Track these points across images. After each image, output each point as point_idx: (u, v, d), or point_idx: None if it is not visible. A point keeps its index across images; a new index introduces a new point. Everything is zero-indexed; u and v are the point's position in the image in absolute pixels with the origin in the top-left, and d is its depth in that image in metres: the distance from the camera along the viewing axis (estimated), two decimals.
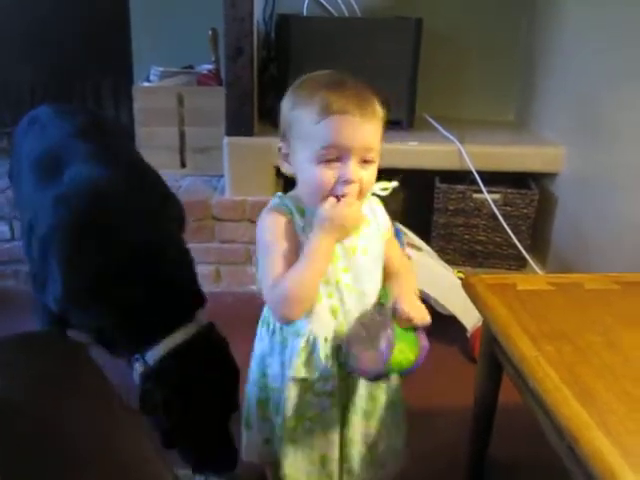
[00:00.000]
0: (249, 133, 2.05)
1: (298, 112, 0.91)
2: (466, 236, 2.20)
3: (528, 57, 2.45)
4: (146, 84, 2.34)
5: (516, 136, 2.34)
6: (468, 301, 1.11)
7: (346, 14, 2.40)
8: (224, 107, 2.03)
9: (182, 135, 2.31)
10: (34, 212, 1.33)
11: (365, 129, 0.88)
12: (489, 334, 1.06)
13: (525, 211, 2.14)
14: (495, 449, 1.23)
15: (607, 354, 0.92)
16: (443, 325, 1.63)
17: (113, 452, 0.80)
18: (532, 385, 0.86)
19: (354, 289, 0.96)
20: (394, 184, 1.01)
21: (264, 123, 2.18)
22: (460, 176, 2.15)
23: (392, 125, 2.21)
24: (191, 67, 2.42)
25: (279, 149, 0.97)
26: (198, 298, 1.26)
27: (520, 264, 2.17)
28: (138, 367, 1.18)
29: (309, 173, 0.90)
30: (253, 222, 2.02)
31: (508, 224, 2.11)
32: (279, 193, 0.99)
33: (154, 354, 1.16)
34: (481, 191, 2.11)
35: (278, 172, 2.00)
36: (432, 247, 2.11)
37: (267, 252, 0.93)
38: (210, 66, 2.36)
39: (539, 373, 0.86)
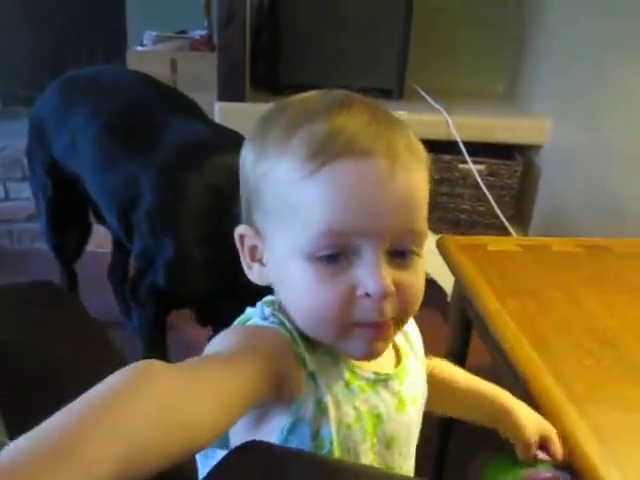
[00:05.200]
0: (240, 99, 2.09)
1: (269, 164, 0.52)
2: (451, 205, 2.25)
3: (518, 30, 2.48)
4: (139, 48, 2.37)
5: (503, 108, 2.38)
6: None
7: None
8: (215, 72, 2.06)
9: None
10: (124, 184, 1.27)
11: (405, 185, 0.50)
12: (459, 291, 1.12)
13: (509, 182, 2.19)
14: None
15: (567, 309, 0.98)
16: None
17: None
18: (493, 335, 0.93)
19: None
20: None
21: (256, 91, 2.21)
22: (446, 146, 2.20)
23: (381, 94, 2.25)
24: (184, 32, 2.45)
25: (239, 238, 0.57)
26: None
27: (502, 234, 2.23)
28: None
29: (298, 283, 0.52)
30: None
31: (492, 194, 2.17)
32: (269, 298, 0.58)
33: None
34: (466, 161, 2.16)
35: None
36: None
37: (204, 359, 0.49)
38: (203, 32, 2.39)
39: (500, 323, 0.93)
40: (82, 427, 0.35)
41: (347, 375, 0.56)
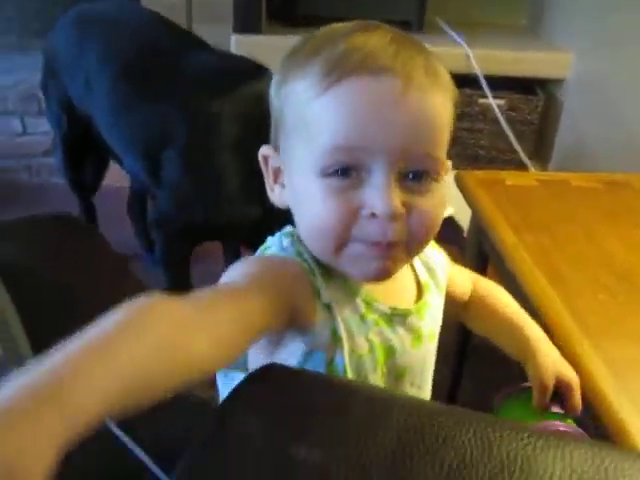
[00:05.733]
0: (257, 31, 2.05)
1: (291, 86, 0.52)
2: (470, 140, 2.22)
3: None
4: None
5: (525, 41, 2.32)
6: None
7: None
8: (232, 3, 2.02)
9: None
10: (147, 126, 1.27)
11: (418, 105, 0.49)
12: (476, 225, 1.12)
13: (529, 117, 2.15)
14: (477, 339, 1.32)
15: (583, 244, 0.98)
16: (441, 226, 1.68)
17: None
18: (509, 268, 0.93)
19: None
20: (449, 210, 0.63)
21: (273, 23, 2.17)
22: (466, 80, 2.16)
23: (401, 26, 2.19)
24: None
25: (264, 159, 0.58)
26: None
27: (521, 170, 2.21)
28: None
29: (308, 198, 0.52)
30: None
31: (512, 129, 2.14)
32: (289, 229, 0.59)
33: None
34: (486, 96, 2.12)
35: None
36: None
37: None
38: None
39: (517, 257, 0.93)
40: (75, 369, 0.34)
41: (363, 308, 0.57)
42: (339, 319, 0.54)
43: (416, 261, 0.63)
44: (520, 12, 2.54)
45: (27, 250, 0.96)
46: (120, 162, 1.53)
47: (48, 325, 0.83)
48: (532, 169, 2.17)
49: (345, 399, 0.42)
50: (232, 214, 1.21)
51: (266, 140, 0.59)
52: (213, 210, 1.22)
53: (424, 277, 0.63)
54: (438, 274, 0.65)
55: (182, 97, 1.24)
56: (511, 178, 1.16)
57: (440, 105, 0.51)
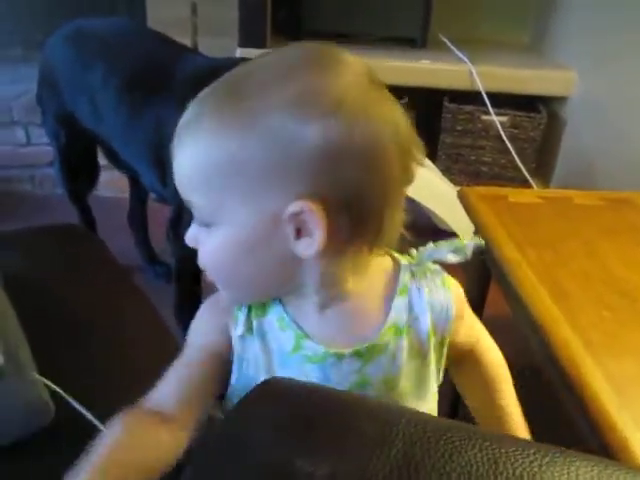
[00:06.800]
0: (262, 45, 2.06)
1: None
2: (472, 157, 2.23)
3: None
4: None
5: (528, 58, 2.33)
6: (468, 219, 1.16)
7: None
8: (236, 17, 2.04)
9: (195, 46, 2.32)
10: (150, 131, 1.28)
11: (177, 161, 0.54)
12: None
13: (532, 134, 2.16)
14: None
15: (585, 261, 0.98)
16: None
17: (127, 328, 0.89)
18: (512, 284, 0.93)
19: None
20: (472, 244, 0.61)
21: (278, 37, 2.18)
22: (469, 97, 2.17)
23: (406, 43, 2.21)
24: None
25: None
26: None
27: (524, 187, 2.21)
28: None
29: None
30: None
31: (514, 147, 2.14)
32: None
33: None
34: (489, 112, 2.13)
35: None
36: (438, 167, 2.14)
37: None
38: None
39: (519, 273, 0.93)
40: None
41: (293, 343, 0.57)
42: (250, 352, 0.58)
43: (397, 300, 0.58)
44: (523, 30, 2.56)
45: (29, 260, 0.96)
46: (138, 177, 1.54)
47: (49, 335, 0.83)
48: (534, 186, 2.17)
49: (350, 412, 0.42)
50: None
51: None
52: None
53: (400, 320, 0.58)
54: (423, 324, 0.59)
55: (178, 98, 1.25)
56: (514, 195, 1.16)
57: (192, 155, 0.53)
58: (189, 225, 0.58)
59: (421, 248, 0.62)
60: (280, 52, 0.54)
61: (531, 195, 1.20)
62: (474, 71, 2.08)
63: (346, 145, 0.48)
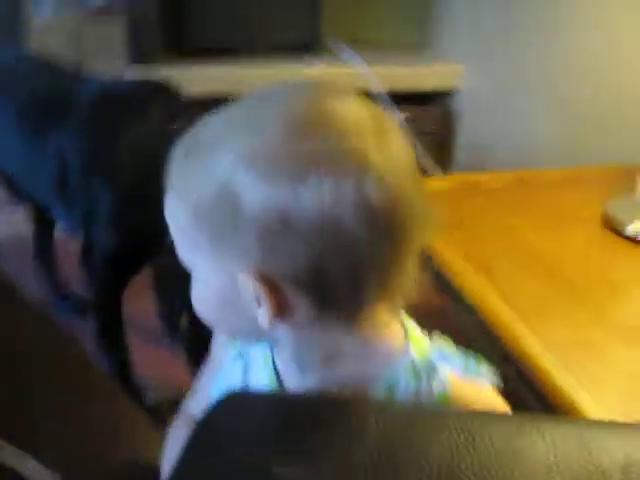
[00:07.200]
0: (153, 61, 2.01)
1: None
2: None
3: None
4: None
5: (418, 57, 2.40)
6: None
7: None
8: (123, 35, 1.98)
9: (82, 68, 2.24)
10: (51, 158, 1.25)
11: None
12: None
13: (431, 128, 2.23)
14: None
15: (502, 238, 1.02)
16: None
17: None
18: (442, 268, 0.95)
19: None
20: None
21: (168, 55, 2.13)
22: (370, 99, 2.20)
23: (297, 49, 2.22)
24: None
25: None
26: None
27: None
28: None
29: None
30: None
31: (415, 142, 2.20)
32: None
33: None
34: (390, 111, 2.17)
35: None
36: None
37: None
38: None
39: (447, 255, 0.95)
40: None
41: (274, 381, 0.54)
42: (233, 374, 0.58)
43: (379, 385, 0.51)
44: (411, 30, 2.63)
45: None
46: (48, 212, 1.47)
47: None
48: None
49: (320, 412, 0.41)
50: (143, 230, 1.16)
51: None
52: (117, 228, 1.19)
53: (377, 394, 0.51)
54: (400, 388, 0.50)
55: (76, 127, 1.23)
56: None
57: (170, 211, 0.51)
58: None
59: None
60: (227, 110, 0.50)
61: (441, 182, 1.23)
62: (369, 72, 2.12)
63: (291, 217, 0.42)
